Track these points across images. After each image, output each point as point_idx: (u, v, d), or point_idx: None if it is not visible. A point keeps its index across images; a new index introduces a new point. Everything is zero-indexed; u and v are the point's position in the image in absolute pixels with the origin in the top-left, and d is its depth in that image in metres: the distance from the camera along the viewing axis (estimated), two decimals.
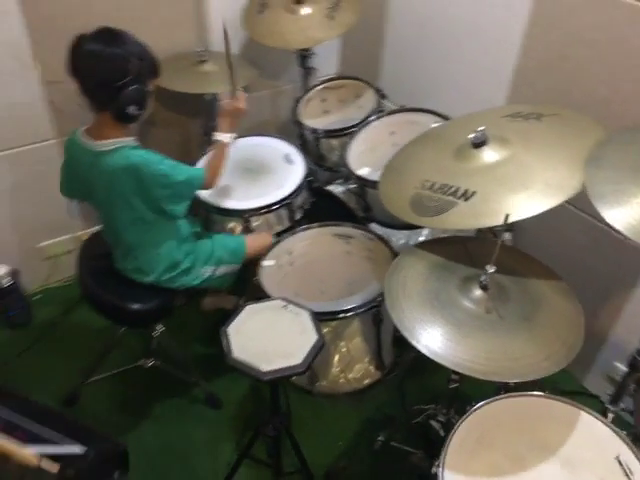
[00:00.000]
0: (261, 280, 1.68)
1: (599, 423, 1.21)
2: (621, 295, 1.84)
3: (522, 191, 1.27)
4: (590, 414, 1.22)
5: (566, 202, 1.71)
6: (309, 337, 1.38)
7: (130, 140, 1.58)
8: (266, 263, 1.75)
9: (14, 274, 2.24)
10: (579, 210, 1.81)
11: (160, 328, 2.01)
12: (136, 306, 1.73)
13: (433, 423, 1.55)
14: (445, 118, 1.86)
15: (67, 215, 2.35)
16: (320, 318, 1.47)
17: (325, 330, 1.53)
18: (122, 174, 1.54)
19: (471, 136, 1.41)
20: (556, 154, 1.34)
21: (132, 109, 1.50)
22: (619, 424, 1.27)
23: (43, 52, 1.99)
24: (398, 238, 2.00)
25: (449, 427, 1.52)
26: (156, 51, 1.57)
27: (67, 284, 2.46)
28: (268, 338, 1.40)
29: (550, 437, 1.19)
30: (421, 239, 1.99)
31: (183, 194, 1.66)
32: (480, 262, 1.28)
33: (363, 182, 1.81)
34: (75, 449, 1.02)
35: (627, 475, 1.11)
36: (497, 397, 1.26)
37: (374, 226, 1.94)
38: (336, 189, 2.08)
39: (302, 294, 1.74)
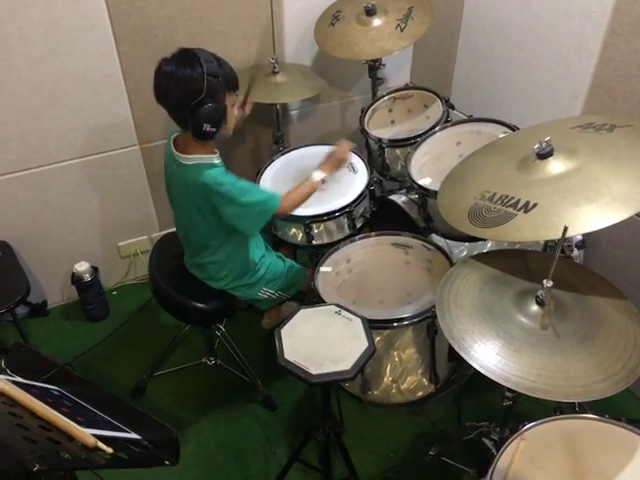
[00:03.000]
0: (317, 286, 1.70)
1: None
2: None
3: (586, 204, 1.21)
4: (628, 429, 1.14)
5: None
6: (360, 344, 1.39)
7: (209, 157, 1.63)
8: (323, 269, 1.78)
9: (94, 270, 2.41)
10: None
11: (223, 328, 2.09)
12: (199, 305, 1.81)
13: (486, 441, 1.50)
14: (513, 129, 1.81)
15: (145, 216, 2.51)
16: (373, 326, 1.47)
17: (377, 339, 1.53)
18: (196, 190, 1.62)
19: (536, 146, 1.37)
20: (626, 167, 1.26)
21: (207, 127, 1.55)
22: None
23: (130, 63, 2.14)
24: (460, 250, 1.96)
25: (502, 446, 1.48)
26: (234, 63, 1.64)
27: (142, 282, 2.62)
28: (319, 342, 1.41)
29: (606, 465, 1.12)
30: (482, 250, 1.94)
31: (254, 216, 1.69)
32: (540, 277, 1.23)
33: (424, 192, 1.79)
34: (130, 435, 1.09)
35: None
36: (549, 418, 1.20)
37: (435, 237, 1.91)
38: (398, 199, 2.07)
39: (360, 302, 1.75)
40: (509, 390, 1.36)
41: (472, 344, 1.15)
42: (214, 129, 1.57)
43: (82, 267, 2.36)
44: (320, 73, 2.37)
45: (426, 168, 1.92)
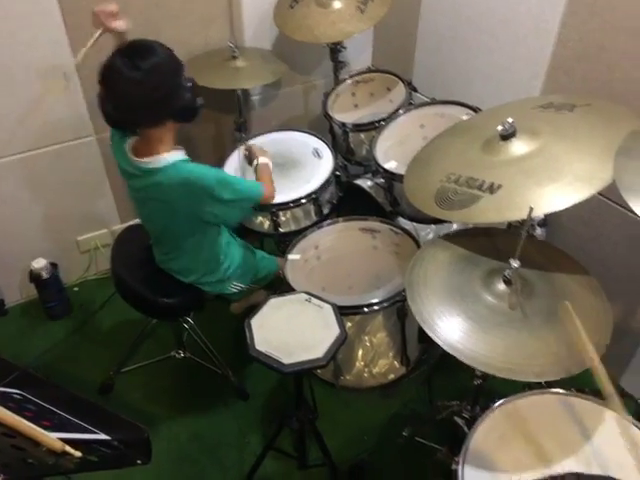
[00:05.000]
0: (286, 274, 1.69)
1: (628, 424, 1.16)
2: None
3: (549, 184, 1.23)
4: (617, 413, 1.18)
5: (602, 195, 1.67)
6: (331, 331, 1.39)
7: (177, 154, 1.53)
8: (291, 257, 1.76)
9: (53, 267, 2.33)
10: (615, 203, 1.75)
11: (191, 320, 2.06)
12: (164, 299, 1.77)
13: (457, 420, 1.52)
14: (476, 110, 1.82)
15: (104, 209, 2.43)
16: (343, 312, 1.47)
17: (348, 324, 1.53)
18: (172, 191, 1.51)
19: (499, 128, 1.38)
20: (587, 146, 1.29)
21: (199, 101, 1.51)
22: None
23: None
24: (426, 232, 1.97)
25: (473, 423, 1.51)
26: (189, 49, 1.58)
27: (104, 277, 2.54)
28: (291, 331, 1.41)
29: (575, 436, 1.15)
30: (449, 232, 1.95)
31: (239, 207, 1.65)
32: (507, 256, 1.25)
33: (390, 176, 1.79)
34: (99, 436, 1.05)
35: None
36: (520, 394, 1.23)
37: (402, 220, 1.92)
38: (364, 183, 2.07)
39: (330, 288, 1.75)
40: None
41: (441, 325, 1.16)
42: (200, 103, 1.52)
43: (39, 264, 2.27)
44: (281, 57, 2.32)
45: (391, 152, 1.91)
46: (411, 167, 1.57)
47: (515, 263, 1.16)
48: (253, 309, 1.47)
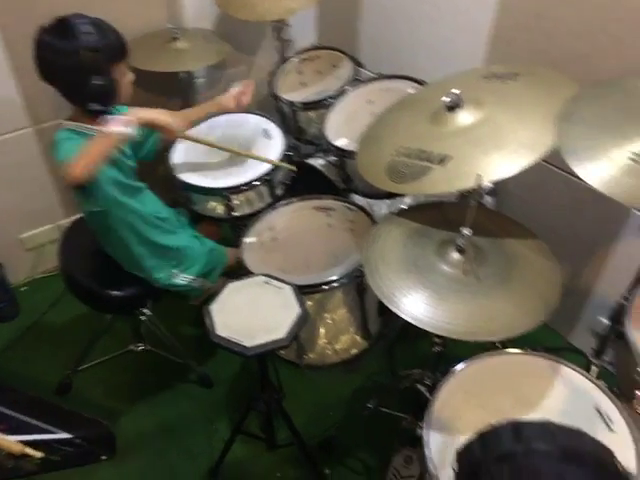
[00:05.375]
0: (243, 257, 1.67)
1: (578, 375, 1.22)
2: (603, 250, 1.86)
3: (495, 152, 1.26)
4: (569, 367, 1.24)
5: (546, 162, 1.72)
6: (292, 311, 1.39)
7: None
8: (247, 240, 1.74)
9: None
10: (559, 169, 1.81)
11: (148, 312, 2.01)
12: (116, 293, 1.72)
13: (420, 387, 1.56)
14: (421, 83, 1.84)
15: (47, 204, 2.33)
16: (303, 291, 1.47)
17: (309, 303, 1.53)
18: None
19: (445, 99, 1.40)
20: (530, 113, 1.32)
21: (94, 106, 1.47)
22: (604, 377, 1.29)
23: (12, 37, 1.94)
24: (380, 208, 1.99)
25: (435, 389, 1.55)
26: (126, 31, 1.53)
27: (53, 274, 2.44)
28: (251, 314, 1.40)
29: (531, 392, 1.20)
30: (403, 207, 1.98)
31: None
32: (458, 226, 1.27)
33: (341, 153, 1.79)
34: (60, 435, 1.02)
35: (607, 424, 1.13)
36: (477, 357, 1.27)
37: (355, 197, 1.93)
38: (316, 162, 2.06)
39: (287, 269, 1.74)
40: (438, 337, 1.42)
41: (402, 298, 1.18)
42: (103, 107, 1.48)
43: None
44: (224, 37, 2.27)
45: (341, 129, 1.91)
46: (362, 143, 1.57)
47: (466, 231, 1.19)
48: (211, 295, 1.45)
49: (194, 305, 2.26)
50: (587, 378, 1.22)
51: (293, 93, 2.22)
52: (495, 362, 1.29)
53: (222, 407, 2.01)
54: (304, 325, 1.37)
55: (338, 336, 1.68)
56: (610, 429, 1.12)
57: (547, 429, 0.62)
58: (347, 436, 1.88)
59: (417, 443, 1.67)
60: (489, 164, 1.25)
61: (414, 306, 1.17)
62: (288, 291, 1.44)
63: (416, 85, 1.85)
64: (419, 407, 1.64)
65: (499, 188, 2.03)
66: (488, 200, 1.89)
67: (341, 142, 1.82)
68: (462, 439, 1.15)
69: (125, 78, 1.55)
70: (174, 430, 1.94)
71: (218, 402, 2.02)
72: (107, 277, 1.75)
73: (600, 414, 1.14)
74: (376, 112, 1.75)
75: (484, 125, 1.35)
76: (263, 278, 1.48)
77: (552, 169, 1.83)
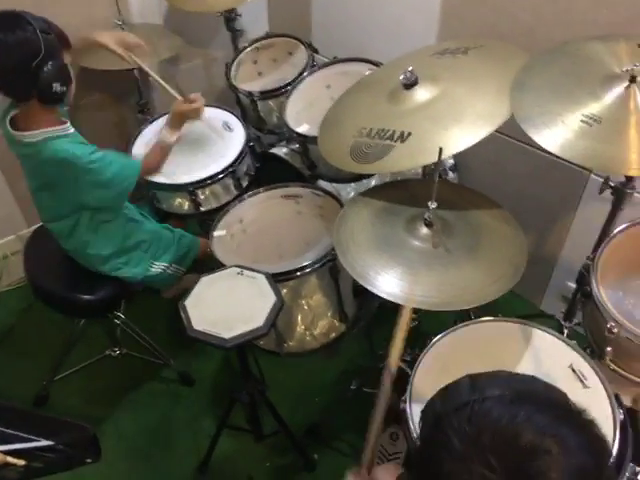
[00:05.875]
0: (214, 251, 1.66)
1: (550, 337, 1.26)
2: (565, 216, 1.91)
3: (454, 126, 1.28)
4: (541, 330, 1.27)
5: (502, 133, 1.75)
6: (268, 299, 1.39)
7: (61, 128, 1.50)
8: (217, 234, 1.73)
9: None
10: (515, 140, 1.85)
11: (122, 315, 1.98)
12: (87, 297, 1.69)
13: (400, 364, 1.58)
14: (377, 65, 1.84)
15: (6, 214, 2.27)
16: (277, 279, 1.47)
17: (284, 291, 1.53)
18: (50, 167, 1.49)
19: (401, 77, 1.41)
20: (484, 85, 1.35)
21: (57, 86, 1.42)
22: (575, 338, 1.33)
23: None
24: (347, 192, 2.00)
25: (414, 364, 1.58)
26: (70, 30, 1.50)
27: (21, 285, 2.38)
28: (227, 306, 1.39)
29: (507, 357, 1.24)
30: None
31: (116, 187, 1.61)
32: (424, 202, 1.29)
33: (304, 139, 1.79)
34: (40, 443, 1.01)
35: (581, 381, 1.17)
36: (453, 328, 1.30)
37: (322, 183, 1.93)
38: (280, 151, 2.05)
39: (260, 260, 1.74)
40: (413, 311, 1.44)
41: (376, 276, 1.20)
42: (64, 87, 1.45)
43: None
44: (175, 31, 2.23)
45: (302, 115, 1.90)
46: (323, 127, 1.57)
47: (432, 205, 1.21)
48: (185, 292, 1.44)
49: (167, 303, 2.24)
50: (559, 339, 1.26)
51: (250, 83, 2.20)
52: (470, 331, 1.32)
53: (205, 403, 2.00)
54: (281, 312, 1.37)
55: (316, 321, 1.69)
56: (585, 386, 1.17)
57: (500, 377, 0.66)
58: (332, 420, 1.89)
59: (401, 419, 1.71)
60: (449, 138, 1.27)
61: (389, 282, 1.19)
62: (262, 280, 1.44)
63: (372, 67, 1.85)
64: (400, 382, 1.67)
65: (460, 163, 2.06)
66: (451, 175, 1.92)
67: (303, 128, 1.82)
68: None
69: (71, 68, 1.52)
70: (158, 431, 1.92)
71: (201, 399, 2.02)
72: (77, 282, 1.72)
73: (574, 372, 1.19)
74: (335, 96, 1.75)
75: (441, 100, 1.36)
76: (236, 269, 1.47)
77: (509, 140, 1.87)
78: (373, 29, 2.18)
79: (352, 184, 1.99)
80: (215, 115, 2.09)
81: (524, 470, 0.54)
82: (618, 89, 1.13)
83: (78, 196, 1.56)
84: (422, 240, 1.25)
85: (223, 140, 1.97)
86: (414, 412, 1.20)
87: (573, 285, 1.68)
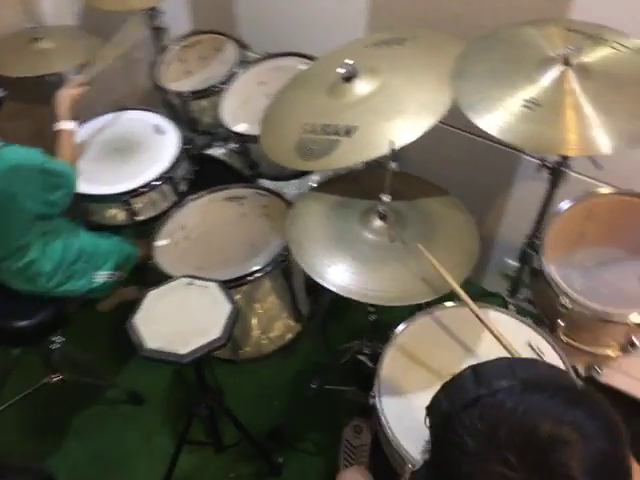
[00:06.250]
0: (158, 262, 1.58)
1: (505, 316, 1.30)
2: (501, 197, 1.97)
3: (398, 117, 1.28)
4: (495, 310, 1.31)
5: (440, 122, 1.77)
6: (222, 308, 1.33)
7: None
8: (160, 243, 1.65)
9: None
10: (448, 126, 1.87)
11: (59, 339, 1.84)
12: (23, 323, 1.56)
13: (361, 357, 1.58)
14: (311, 58, 1.82)
15: None
16: (229, 286, 1.42)
17: (237, 297, 1.49)
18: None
19: (340, 71, 1.39)
20: (424, 75, 1.36)
21: None
22: (521, 313, 1.37)
23: None
24: (289, 189, 1.97)
25: (376, 357, 1.58)
26: None
27: None
28: (180, 319, 1.33)
29: (468, 339, 1.26)
30: (312, 185, 1.97)
31: (69, 182, 1.55)
32: (373, 194, 1.29)
33: (244, 138, 1.74)
34: None
35: (539, 357, 1.21)
36: (412, 317, 1.30)
37: (264, 182, 1.89)
38: (216, 152, 1.98)
39: (205, 267, 1.68)
40: (372, 305, 1.44)
41: (333, 273, 1.18)
42: None
43: None
44: (92, 32, 2.09)
45: (238, 114, 1.85)
46: (264, 126, 1.53)
47: (387, 198, 1.20)
48: (124, 306, 1.36)
49: (104, 317, 2.11)
50: (514, 317, 1.29)
51: (179, 83, 2.11)
52: (429, 319, 1.32)
53: (159, 421, 1.91)
54: (237, 320, 1.32)
55: (271, 324, 1.65)
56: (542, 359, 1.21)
57: (502, 365, 0.64)
58: (295, 421, 1.87)
59: (364, 412, 1.71)
60: (394, 129, 1.27)
61: (345, 279, 1.17)
62: (214, 288, 1.39)
63: (306, 61, 1.83)
64: (361, 377, 1.67)
65: (400, 154, 2.08)
66: (393, 166, 1.92)
67: (241, 127, 1.76)
68: (414, 398, 1.19)
69: None
70: (112, 457, 1.82)
71: (153, 417, 1.92)
72: (8, 308, 1.58)
73: (532, 348, 1.22)
74: (270, 93, 1.71)
75: (382, 92, 1.36)
76: (185, 280, 1.41)
77: (443, 127, 1.89)
78: (302, 21, 2.14)
79: (294, 181, 1.96)
80: (144, 118, 1.99)
81: (544, 463, 0.52)
82: (554, 72, 1.17)
83: (33, 207, 1.46)
84: (377, 233, 1.24)
85: (156, 144, 1.88)
86: (384, 405, 1.19)
87: (513, 262, 1.74)
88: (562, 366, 1.18)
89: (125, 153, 1.86)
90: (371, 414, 1.60)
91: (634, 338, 1.22)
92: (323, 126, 1.36)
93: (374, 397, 1.21)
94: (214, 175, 1.91)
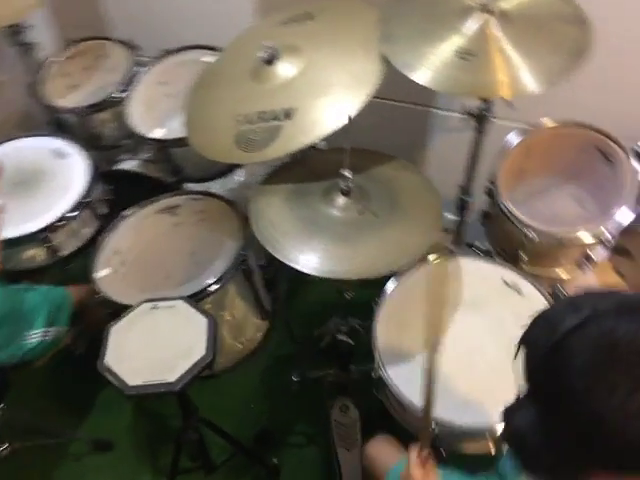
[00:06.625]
0: (106, 294, 1.45)
1: (474, 261, 1.35)
2: (421, 154, 2.03)
3: (336, 91, 1.26)
4: (465, 257, 1.36)
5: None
6: (198, 323, 1.26)
7: None
8: (100, 275, 1.51)
9: None
10: (384, 99, 1.87)
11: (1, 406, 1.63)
12: None
13: (340, 336, 1.57)
14: (213, 49, 1.73)
15: None
16: (197, 299, 1.35)
17: (206, 308, 1.40)
18: None
19: (260, 54, 1.34)
20: (346, 45, 1.34)
21: None
22: None
23: None
24: (215, 189, 1.88)
25: (355, 332, 1.59)
26: None
27: None
28: (157, 347, 1.23)
29: (449, 290, 1.29)
30: (239, 179, 1.91)
31: None
32: (327, 174, 1.28)
33: (164, 144, 1.62)
34: None
35: (516, 291, 1.28)
36: (393, 280, 1.31)
37: (190, 186, 1.79)
38: (128, 165, 1.84)
39: (148, 288, 1.56)
40: (344, 285, 1.42)
41: (315, 260, 1.15)
42: None
43: None
44: None
45: (147, 120, 1.72)
46: (190, 126, 1.43)
47: (348, 173, 1.19)
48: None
49: (47, 373, 1.91)
50: (483, 260, 1.36)
51: (66, 99, 1.91)
52: (409, 279, 1.34)
53: (136, 462, 1.78)
54: (218, 331, 1.25)
55: (242, 328, 1.59)
56: (520, 293, 1.28)
57: (594, 294, 0.65)
58: (279, 418, 1.83)
59: (346, 391, 1.72)
60: (335, 104, 1.25)
61: (328, 262, 1.15)
62: (182, 305, 1.30)
63: (208, 52, 1.74)
64: (341, 356, 1.67)
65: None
66: (322, 144, 1.91)
67: (158, 133, 1.64)
68: (418, 360, 1.21)
69: None
70: None
71: (129, 460, 1.79)
72: None
73: (507, 284, 1.29)
74: (173, 92, 1.62)
75: (310, 69, 1.33)
76: (148, 304, 1.31)
77: (377, 101, 1.86)
78: (185, 12, 2.02)
79: (218, 180, 1.87)
80: (36, 145, 1.78)
81: None
82: (476, 21, 1.21)
83: None
84: (345, 210, 1.23)
85: (61, 170, 1.70)
86: (391, 374, 1.20)
87: (452, 216, 1.82)
88: (538, 294, 1.27)
89: (29, 186, 1.66)
90: (354, 390, 1.63)
91: (589, 252, 1.34)
92: (258, 114, 1.31)
93: (379, 369, 1.21)
94: (134, 190, 1.77)
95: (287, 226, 1.21)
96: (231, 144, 1.31)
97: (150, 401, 1.89)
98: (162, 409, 1.86)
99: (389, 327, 1.27)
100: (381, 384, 1.23)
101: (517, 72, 1.19)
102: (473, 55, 1.19)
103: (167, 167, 1.72)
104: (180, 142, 1.52)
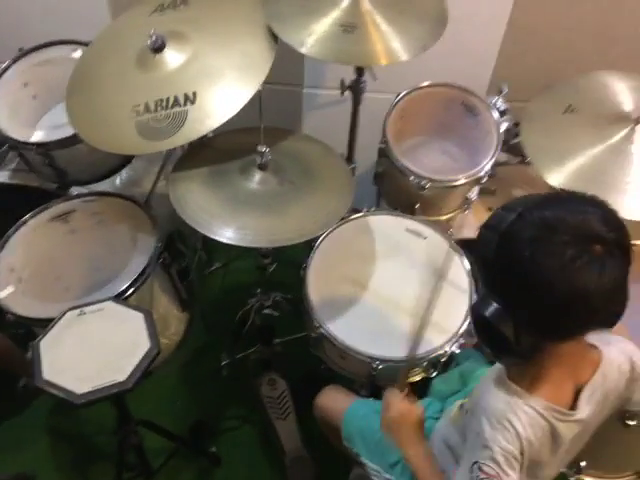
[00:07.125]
0: (16, 312, 1.34)
1: (378, 216, 1.49)
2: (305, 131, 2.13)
3: (233, 71, 1.30)
4: (373, 214, 1.49)
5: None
6: (134, 319, 1.24)
7: None
8: (3, 294, 1.38)
9: None
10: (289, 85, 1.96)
11: None
12: None
13: (267, 311, 1.63)
14: (79, 43, 1.64)
15: None
16: (123, 297, 1.31)
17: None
18: None
19: (148, 43, 1.32)
20: (232, 26, 1.38)
21: None
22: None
23: None
24: (104, 188, 1.79)
25: (279, 305, 1.66)
26: None
27: None
28: (97, 351, 1.19)
29: (365, 245, 1.43)
30: (125, 177, 1.85)
31: None
32: (238, 153, 1.32)
33: (46, 148, 1.50)
34: None
35: (420, 235, 1.45)
36: (315, 245, 1.41)
37: (76, 189, 1.69)
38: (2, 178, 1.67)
39: (48, 302, 1.47)
40: (264, 256, 1.48)
41: (249, 233, 1.20)
42: None
43: None
44: None
45: (12, 126, 1.56)
46: (77, 125, 1.37)
47: (264, 148, 1.25)
48: None
49: None
50: (387, 214, 1.50)
51: None
52: (336, 234, 1.44)
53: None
54: (155, 322, 1.25)
55: (168, 323, 1.57)
56: (424, 237, 1.45)
57: (520, 199, 0.81)
58: (209, 407, 1.84)
59: (270, 365, 1.78)
60: (234, 83, 1.29)
61: (263, 234, 1.21)
62: (111, 305, 1.27)
63: (73, 45, 1.63)
64: (264, 333, 1.73)
65: None
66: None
67: (38, 136, 1.52)
68: (352, 311, 1.32)
69: None
70: None
71: None
72: None
73: (411, 232, 1.46)
74: (39, 92, 1.52)
75: (201, 52, 1.34)
76: (73, 312, 1.25)
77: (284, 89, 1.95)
78: (34, 9, 1.87)
79: (107, 180, 1.79)
80: None
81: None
82: None
83: None
84: (265, 183, 1.29)
85: None
86: (332, 330, 1.29)
87: None
88: (439, 236, 1.44)
89: None
90: (278, 363, 1.68)
91: (469, 195, 1.56)
92: (157, 102, 1.30)
93: (318, 327, 1.30)
94: (14, 204, 1.62)
95: (212, 208, 1.24)
96: (134, 135, 1.28)
97: (65, 424, 1.79)
98: (78, 428, 1.79)
99: (319, 286, 1.35)
100: (319, 341, 1.32)
101: (390, 43, 1.33)
102: (355, 27, 1.31)
103: (50, 172, 1.60)
104: (65, 143, 1.44)
